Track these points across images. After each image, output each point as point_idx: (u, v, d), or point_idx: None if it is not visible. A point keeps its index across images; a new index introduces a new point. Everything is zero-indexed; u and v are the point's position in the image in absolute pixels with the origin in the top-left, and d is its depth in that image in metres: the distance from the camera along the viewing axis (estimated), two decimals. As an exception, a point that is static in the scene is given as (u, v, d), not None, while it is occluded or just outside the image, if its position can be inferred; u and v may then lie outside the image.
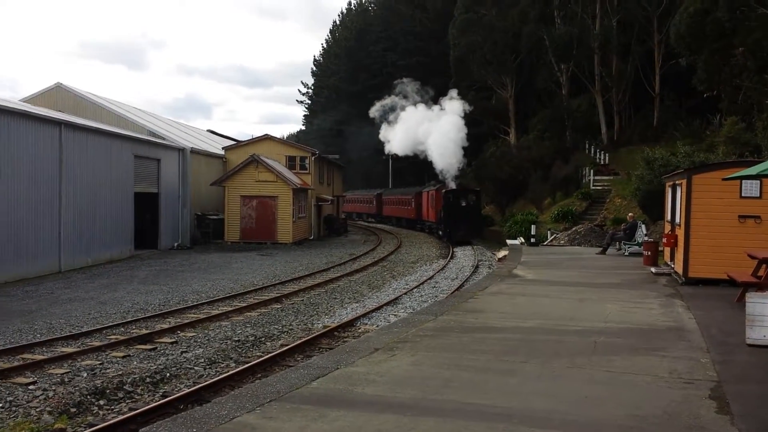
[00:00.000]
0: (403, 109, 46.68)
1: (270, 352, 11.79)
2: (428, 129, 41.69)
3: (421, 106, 45.12)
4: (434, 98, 45.73)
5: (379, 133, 49.50)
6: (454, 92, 44.72)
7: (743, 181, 13.57)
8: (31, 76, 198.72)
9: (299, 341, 12.45)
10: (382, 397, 6.44)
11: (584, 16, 46.64)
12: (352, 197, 74.08)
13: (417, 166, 55.81)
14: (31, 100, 34.61)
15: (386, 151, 52.40)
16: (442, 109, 43.28)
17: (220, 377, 10.06)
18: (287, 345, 12.28)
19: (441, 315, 10.97)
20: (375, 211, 64.91)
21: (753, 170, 10.44)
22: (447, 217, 37.44)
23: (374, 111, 50.05)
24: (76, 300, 17.87)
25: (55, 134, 23.92)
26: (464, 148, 40.94)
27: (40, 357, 11.40)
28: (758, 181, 13.73)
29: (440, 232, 39.98)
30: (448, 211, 37.43)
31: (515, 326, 10.05)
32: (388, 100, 49.17)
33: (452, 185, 39.84)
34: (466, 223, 36.78)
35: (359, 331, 13.79)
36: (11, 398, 9.29)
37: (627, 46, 45.33)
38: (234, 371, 10.40)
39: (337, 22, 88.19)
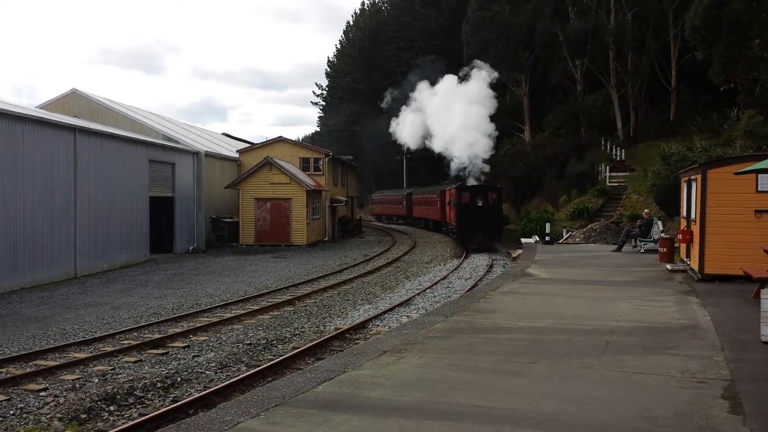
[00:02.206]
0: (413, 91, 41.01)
1: (281, 356, 11.76)
2: (444, 102, 36.43)
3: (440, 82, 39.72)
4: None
5: (391, 131, 47.32)
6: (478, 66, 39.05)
7: (759, 175, 13.32)
8: (50, 84, 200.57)
9: (310, 344, 12.40)
10: (388, 400, 6.37)
11: (599, 11, 46.36)
12: (381, 198, 68.72)
13: (432, 164, 55.22)
14: (47, 106, 34.94)
15: (401, 145, 50.64)
16: (461, 81, 38.27)
17: (230, 381, 10.03)
18: (298, 348, 12.24)
19: (451, 316, 10.87)
20: (405, 213, 58.54)
21: (764, 164, 10.25)
22: (460, 218, 32.56)
23: (387, 100, 46.86)
24: (90, 305, 17.97)
25: (69, 140, 24.09)
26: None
27: (53, 363, 11.45)
28: (775, 175, 13.47)
29: (454, 236, 35.62)
30: (462, 211, 32.43)
31: (526, 326, 9.94)
32: (403, 88, 44.66)
33: (473, 180, 34.27)
34: (484, 227, 31.44)
35: (371, 332, 13.71)
36: (22, 405, 9.33)
37: (642, 40, 44.99)
38: (244, 375, 10.38)
39: (351, 23, 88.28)
